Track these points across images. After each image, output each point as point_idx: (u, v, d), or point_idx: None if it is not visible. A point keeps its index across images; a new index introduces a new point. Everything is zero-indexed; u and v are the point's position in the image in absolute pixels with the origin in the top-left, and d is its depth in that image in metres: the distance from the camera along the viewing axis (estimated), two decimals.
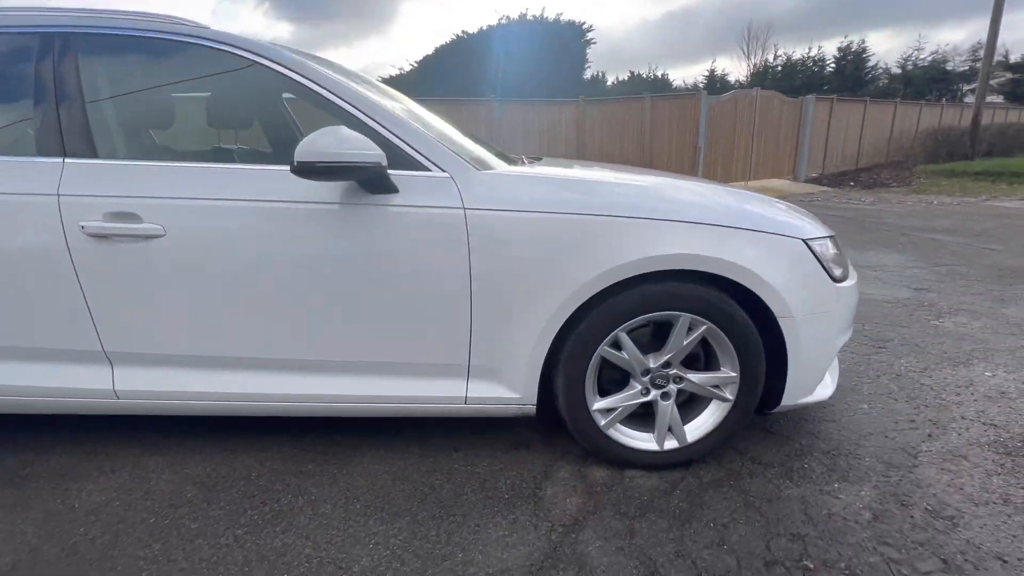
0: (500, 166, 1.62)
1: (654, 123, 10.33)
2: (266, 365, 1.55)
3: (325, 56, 2.06)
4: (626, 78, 30.40)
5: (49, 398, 1.57)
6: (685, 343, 1.51)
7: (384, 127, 1.46)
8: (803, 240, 1.51)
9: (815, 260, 1.52)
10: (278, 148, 2.02)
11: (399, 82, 16.02)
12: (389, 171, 1.41)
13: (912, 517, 1.41)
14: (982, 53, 14.13)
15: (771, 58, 30.74)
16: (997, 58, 23.66)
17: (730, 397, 1.57)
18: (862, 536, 1.35)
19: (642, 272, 1.43)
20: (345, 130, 1.30)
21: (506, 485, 1.57)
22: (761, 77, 28.90)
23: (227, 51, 1.49)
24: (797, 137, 11.80)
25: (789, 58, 29.86)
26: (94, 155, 1.45)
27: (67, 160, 1.43)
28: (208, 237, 1.43)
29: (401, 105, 1.75)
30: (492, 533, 1.37)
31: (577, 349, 1.50)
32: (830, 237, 1.65)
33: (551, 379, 1.57)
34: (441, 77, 13.25)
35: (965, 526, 1.38)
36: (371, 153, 1.30)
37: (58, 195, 1.39)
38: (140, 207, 1.40)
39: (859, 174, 12.57)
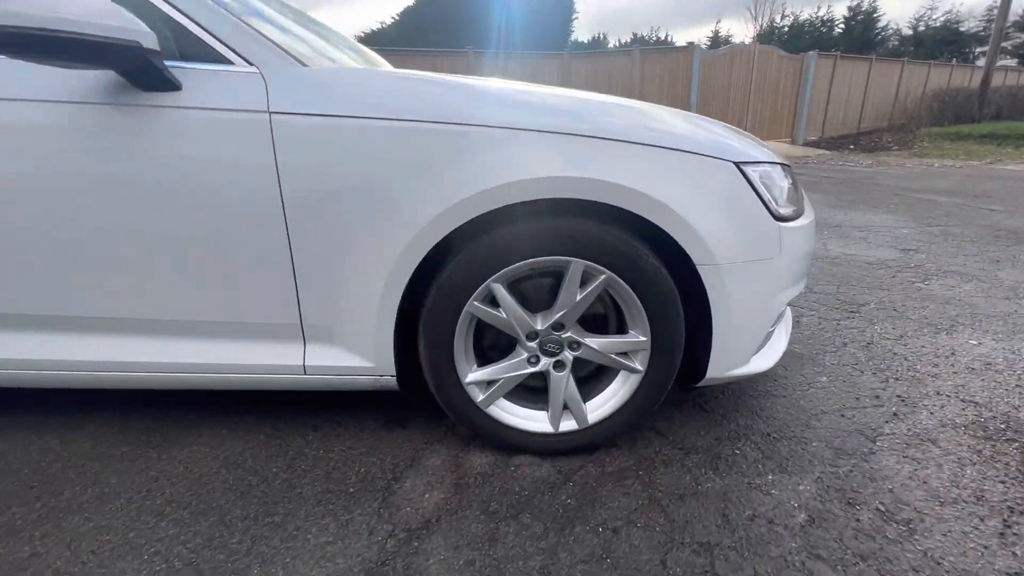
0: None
1: (644, 79, 9.70)
2: (75, 322, 1.20)
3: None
4: (628, 40, 29.16)
5: None
6: (579, 298, 1.17)
7: (187, 15, 1.07)
8: (735, 163, 1.14)
9: (751, 190, 1.15)
10: None
11: (379, 37, 15.19)
12: (172, 64, 1.04)
13: (858, 520, 1.10)
14: (996, 14, 13.30)
15: (778, 19, 29.39)
16: (1012, 18, 22.55)
17: (640, 367, 1.24)
18: (789, 547, 1.04)
19: (505, 204, 1.07)
20: (84, 1, 0.91)
21: (357, 475, 1.25)
22: (767, 38, 27.69)
23: None
24: (796, 97, 11.18)
25: (796, 18, 28.58)
26: None
27: None
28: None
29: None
30: (312, 540, 1.06)
31: (440, 305, 1.16)
32: (780, 164, 1.28)
33: (415, 343, 1.23)
34: (422, 30, 12.48)
35: (924, 533, 1.07)
36: (116, 28, 0.92)
37: None
38: None
39: (860, 137, 12.00)
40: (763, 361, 1.32)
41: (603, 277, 1.14)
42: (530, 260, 1.12)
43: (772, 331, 1.34)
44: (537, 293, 1.23)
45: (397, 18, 13.70)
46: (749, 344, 1.26)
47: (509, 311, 1.17)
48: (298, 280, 1.14)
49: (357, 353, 1.21)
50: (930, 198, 5.02)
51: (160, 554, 1.02)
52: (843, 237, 3.51)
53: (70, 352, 1.20)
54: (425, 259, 1.11)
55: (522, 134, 1.08)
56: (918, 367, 1.74)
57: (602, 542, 1.06)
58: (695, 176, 1.11)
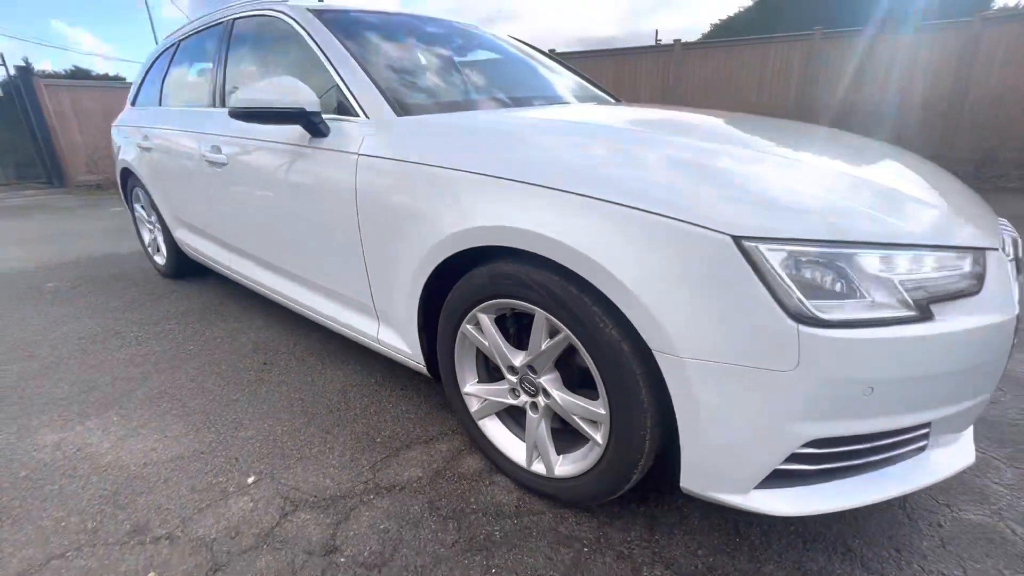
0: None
1: None
2: (274, 267, 2.00)
3: None
4: None
5: (210, 261, 2.49)
6: (544, 347, 1.15)
7: (345, 79, 1.58)
8: (732, 237, 0.88)
9: (753, 275, 0.87)
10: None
11: (734, 22, 14.26)
12: (329, 117, 1.56)
13: None
14: None
15: None
16: None
17: (600, 441, 1.12)
18: None
19: (468, 247, 1.16)
20: (279, 81, 1.49)
21: (390, 433, 1.60)
22: None
23: (269, 18, 1.90)
24: None
25: None
26: (222, 105, 2.13)
27: (214, 110, 2.15)
28: (243, 162, 1.93)
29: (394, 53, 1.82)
30: (328, 456, 1.48)
31: (446, 319, 1.35)
32: (829, 243, 0.88)
33: None
34: (779, 13, 11.05)
35: None
36: (292, 98, 1.47)
37: (198, 133, 2.14)
38: (221, 143, 2.00)
39: None
40: (781, 504, 0.97)
41: (562, 335, 1.10)
42: (502, 300, 1.18)
43: (807, 470, 0.96)
44: (521, 332, 1.27)
45: (753, 1, 12.55)
46: (738, 469, 0.96)
47: (489, 340, 1.26)
48: (369, 275, 1.53)
49: (404, 340, 1.54)
50: None
51: (270, 414, 1.64)
52: None
53: (267, 279, 2.00)
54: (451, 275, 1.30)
55: (485, 180, 1.14)
56: None
57: None
58: (665, 244, 0.92)
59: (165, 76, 2.72)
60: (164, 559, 1.16)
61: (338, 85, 1.58)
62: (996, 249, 0.99)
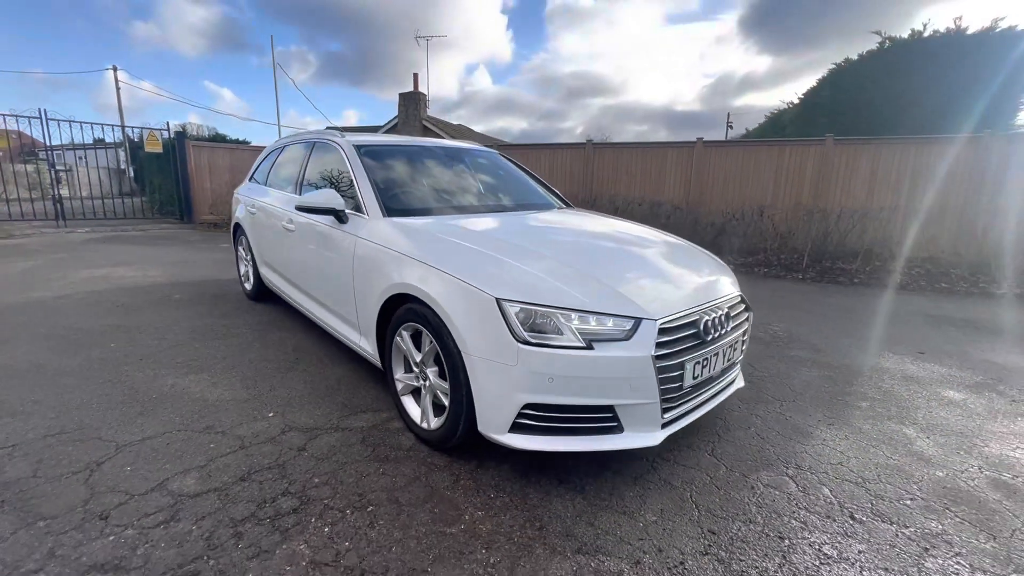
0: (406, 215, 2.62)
1: None
2: (311, 296, 3.13)
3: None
4: None
5: (279, 289, 3.69)
6: (426, 350, 2.13)
7: (360, 190, 2.73)
8: (495, 298, 1.83)
9: (502, 318, 1.80)
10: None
11: (781, 116, 15.03)
12: (349, 212, 2.70)
13: None
14: None
15: None
16: None
17: (447, 404, 2.05)
18: None
19: (397, 293, 2.19)
20: (325, 192, 2.66)
21: (363, 402, 2.59)
22: None
23: (331, 144, 3.14)
24: None
25: None
26: (298, 193, 3.39)
27: (294, 196, 3.41)
28: (302, 231, 3.12)
29: (393, 170, 2.97)
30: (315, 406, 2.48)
31: (389, 331, 2.36)
32: (539, 305, 1.79)
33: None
34: (822, 113, 11.77)
35: None
36: (330, 202, 2.62)
37: (283, 209, 3.40)
38: (293, 217, 3.23)
39: None
40: (519, 441, 1.84)
41: (433, 344, 2.07)
42: (413, 323, 2.18)
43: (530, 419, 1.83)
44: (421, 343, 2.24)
45: (800, 99, 13.37)
46: (498, 418, 1.85)
47: (406, 346, 2.25)
48: (356, 300, 2.59)
49: (369, 344, 2.56)
50: None
51: (282, 399, 2.69)
52: None
53: (306, 302, 3.12)
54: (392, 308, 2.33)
55: (405, 259, 2.18)
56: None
57: (379, 483, 2.01)
58: (468, 297, 1.88)
59: (272, 166, 4.12)
60: (219, 441, 2.19)
61: (357, 193, 2.73)
62: (652, 319, 1.86)
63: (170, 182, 11.42)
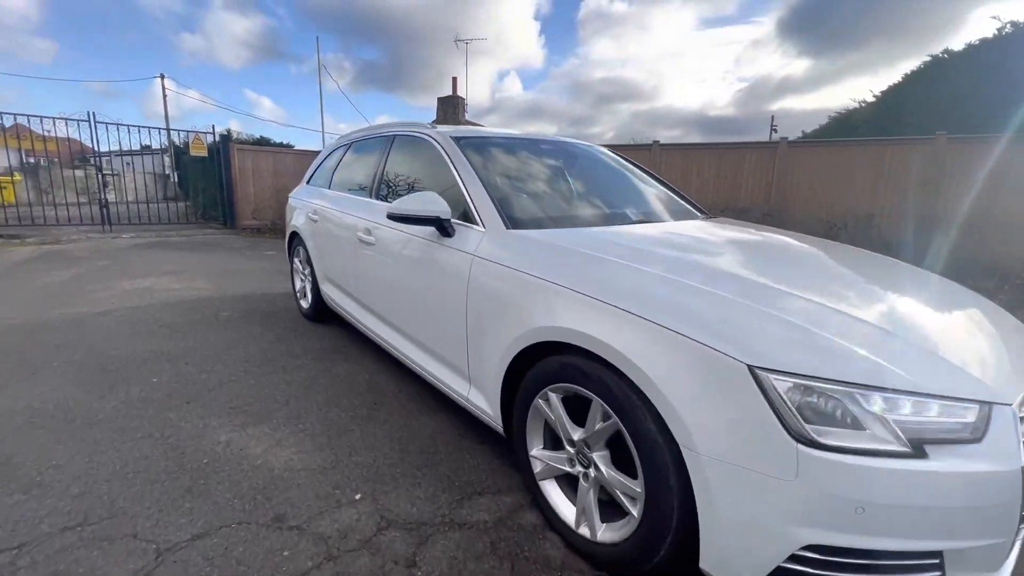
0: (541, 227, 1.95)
1: None
2: (393, 325, 2.50)
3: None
4: None
5: (345, 312, 3.08)
6: (597, 427, 1.44)
7: (469, 194, 2.09)
8: (748, 365, 1.13)
9: (761, 397, 1.11)
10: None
11: (852, 116, 13.93)
12: (456, 222, 2.05)
13: None
14: None
15: None
16: None
17: (635, 514, 1.36)
18: None
19: (545, 340, 1.51)
20: (424, 195, 2.02)
21: (454, 475, 1.93)
22: None
23: (419, 138, 2.50)
24: None
25: None
26: (377, 198, 2.77)
27: (373, 201, 2.80)
28: (386, 245, 2.49)
29: (512, 170, 2.31)
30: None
31: (524, 392, 1.69)
32: (830, 381, 1.09)
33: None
34: (903, 111, 10.67)
35: None
36: (431, 209, 1.98)
37: (357, 216, 2.79)
38: (373, 227, 2.60)
39: None
40: None
41: (612, 420, 1.38)
42: (567, 384, 1.50)
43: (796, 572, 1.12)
44: (581, 412, 1.55)
45: (877, 97, 12.23)
46: (747, 559, 1.15)
47: (555, 415, 1.57)
48: (468, 343, 1.93)
49: (487, 402, 1.89)
50: None
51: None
52: None
53: (386, 333, 2.49)
54: (530, 358, 1.65)
55: (558, 290, 1.50)
56: None
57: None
58: (696, 363, 1.19)
59: (336, 167, 3.54)
60: (294, 543, 1.56)
61: (465, 198, 2.08)
62: (1008, 404, 1.13)
63: (213, 187, 11.18)
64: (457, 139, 2.38)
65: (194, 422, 2.26)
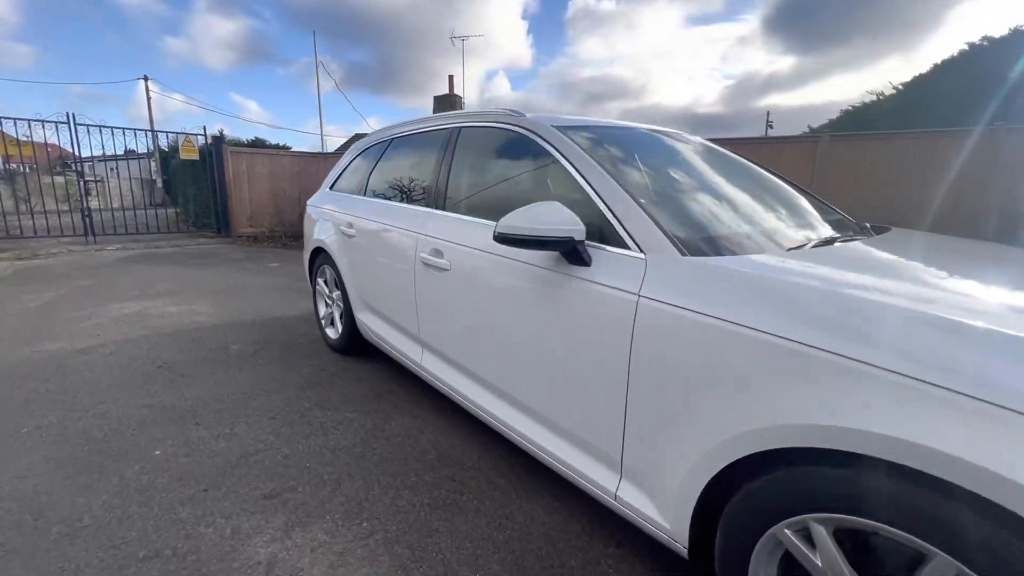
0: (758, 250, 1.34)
1: None
2: (477, 378, 1.89)
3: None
4: None
5: (395, 351, 2.47)
6: None
7: (606, 205, 1.49)
8: None
9: None
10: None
11: (871, 109, 13.50)
12: (591, 244, 1.45)
13: None
14: None
15: None
16: None
17: None
18: None
19: (811, 446, 0.92)
20: (543, 207, 1.42)
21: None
22: None
23: (506, 130, 1.89)
24: None
25: None
26: (442, 208, 2.16)
27: (437, 212, 2.18)
28: (470, 272, 1.88)
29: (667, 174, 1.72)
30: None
31: (744, 512, 1.10)
32: None
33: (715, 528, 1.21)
34: (937, 101, 10.23)
35: None
36: (563, 228, 1.38)
37: (414, 232, 2.17)
38: (444, 248, 1.99)
39: None
40: None
41: None
42: (863, 519, 0.91)
43: None
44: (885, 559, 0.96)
45: (900, 88, 11.81)
46: None
47: (826, 561, 0.98)
48: (627, 424, 1.33)
49: (659, 509, 1.30)
50: None
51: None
52: None
53: (467, 388, 1.90)
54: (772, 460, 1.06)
55: (854, 368, 0.90)
56: None
57: None
58: None
59: (373, 169, 2.92)
60: None
61: (601, 212, 1.48)
62: None
63: (205, 192, 10.43)
64: (565, 129, 1.78)
65: (218, 525, 1.63)
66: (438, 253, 2.01)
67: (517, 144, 1.92)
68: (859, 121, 14.14)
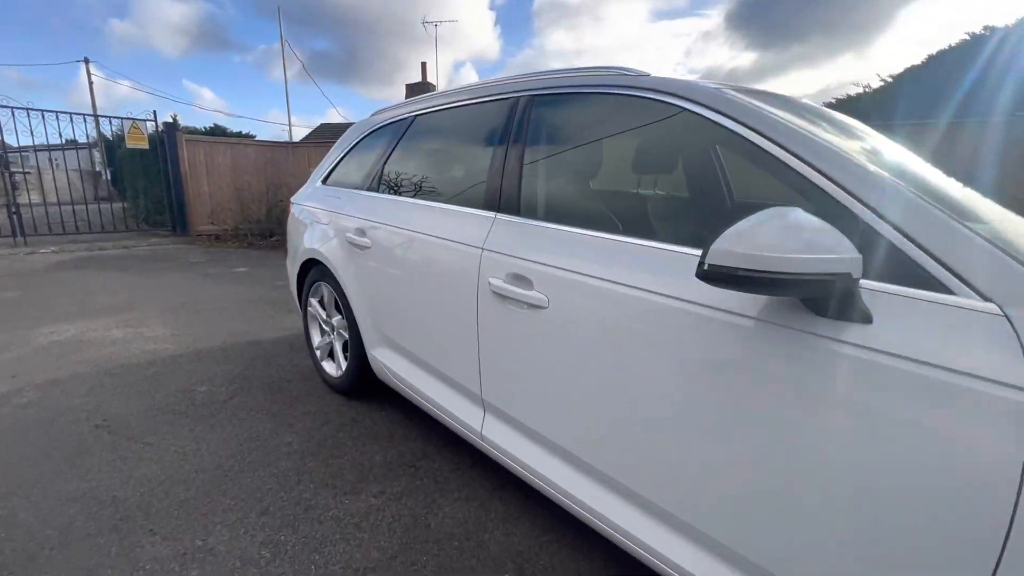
0: None
1: None
2: (596, 473, 1.25)
3: (765, 86, 1.56)
4: None
5: (435, 408, 1.79)
6: None
7: (872, 209, 0.87)
8: None
9: None
10: (690, 217, 1.46)
11: (853, 105, 13.41)
12: (864, 284, 0.83)
13: None
14: None
15: None
16: None
17: None
18: None
19: None
20: (796, 218, 0.79)
21: None
22: None
23: (661, 100, 1.23)
24: None
25: None
26: (517, 213, 1.49)
27: (513, 219, 1.50)
28: (586, 319, 1.22)
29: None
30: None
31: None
32: None
33: None
34: (926, 95, 10.08)
35: None
36: (836, 258, 0.76)
37: (474, 247, 1.50)
38: (535, 274, 1.32)
39: None
40: None
41: None
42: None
43: None
44: None
45: (888, 80, 11.65)
46: None
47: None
48: None
49: None
50: None
51: None
52: None
53: (564, 479, 1.28)
54: None
55: None
56: None
57: None
58: None
59: (388, 157, 2.20)
60: None
61: (872, 228, 0.86)
62: None
63: (158, 186, 9.30)
64: (740, 95, 1.14)
65: None
66: (523, 281, 1.35)
67: (647, 119, 1.28)
68: (849, 113, 14.05)
